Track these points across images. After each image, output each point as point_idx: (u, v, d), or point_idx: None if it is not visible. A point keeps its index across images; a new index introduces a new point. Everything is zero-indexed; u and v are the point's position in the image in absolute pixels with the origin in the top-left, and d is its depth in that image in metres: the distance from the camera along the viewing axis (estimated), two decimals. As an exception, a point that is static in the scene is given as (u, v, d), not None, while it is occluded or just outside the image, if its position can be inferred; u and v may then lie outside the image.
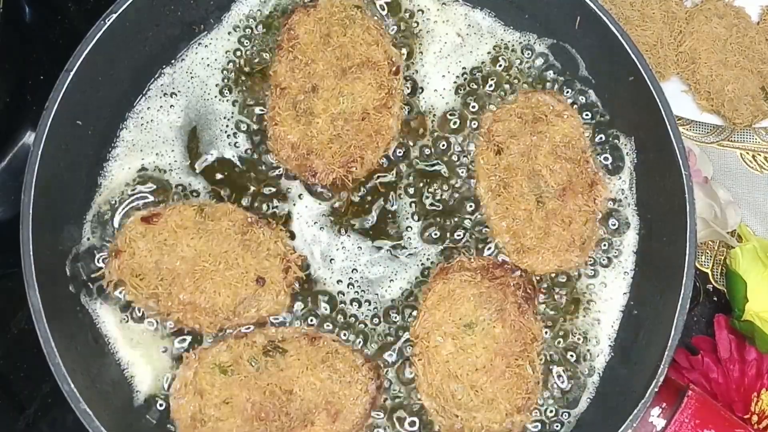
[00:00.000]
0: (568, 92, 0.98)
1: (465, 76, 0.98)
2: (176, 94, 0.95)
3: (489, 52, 0.99)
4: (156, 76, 0.95)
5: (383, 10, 0.99)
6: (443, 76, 0.97)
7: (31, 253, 0.81)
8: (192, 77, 0.96)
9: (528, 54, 0.99)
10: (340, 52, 0.92)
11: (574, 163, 0.92)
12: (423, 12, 0.99)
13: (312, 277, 0.91)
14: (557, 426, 0.89)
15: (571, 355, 0.91)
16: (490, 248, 0.92)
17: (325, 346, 0.86)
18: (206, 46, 0.97)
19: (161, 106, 0.95)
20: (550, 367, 0.90)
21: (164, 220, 0.88)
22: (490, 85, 0.98)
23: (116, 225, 0.91)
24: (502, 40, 0.99)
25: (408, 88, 0.96)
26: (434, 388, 0.85)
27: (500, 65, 0.98)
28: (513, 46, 0.99)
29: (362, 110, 0.91)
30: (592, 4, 0.89)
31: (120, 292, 0.88)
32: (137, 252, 0.86)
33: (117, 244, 0.87)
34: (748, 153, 1.10)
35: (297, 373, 0.84)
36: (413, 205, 0.94)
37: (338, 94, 0.91)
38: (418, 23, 0.99)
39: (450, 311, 0.87)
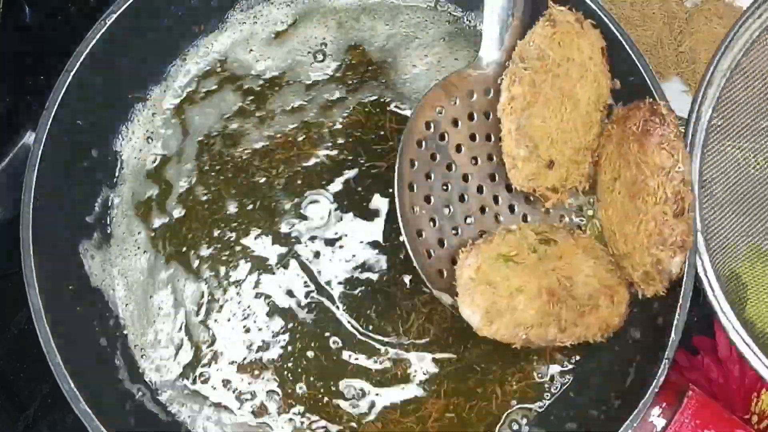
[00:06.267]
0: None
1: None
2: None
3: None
4: (156, 75, 0.95)
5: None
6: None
7: (31, 253, 0.82)
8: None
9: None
10: None
11: None
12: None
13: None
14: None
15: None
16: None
17: (583, 239, 0.86)
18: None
19: (166, 106, 0.95)
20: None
21: None
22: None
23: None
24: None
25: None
26: None
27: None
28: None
29: None
30: (592, 4, 0.89)
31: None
32: None
33: None
34: (748, 153, 1.10)
35: (572, 261, 0.83)
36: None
37: None
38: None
39: None
